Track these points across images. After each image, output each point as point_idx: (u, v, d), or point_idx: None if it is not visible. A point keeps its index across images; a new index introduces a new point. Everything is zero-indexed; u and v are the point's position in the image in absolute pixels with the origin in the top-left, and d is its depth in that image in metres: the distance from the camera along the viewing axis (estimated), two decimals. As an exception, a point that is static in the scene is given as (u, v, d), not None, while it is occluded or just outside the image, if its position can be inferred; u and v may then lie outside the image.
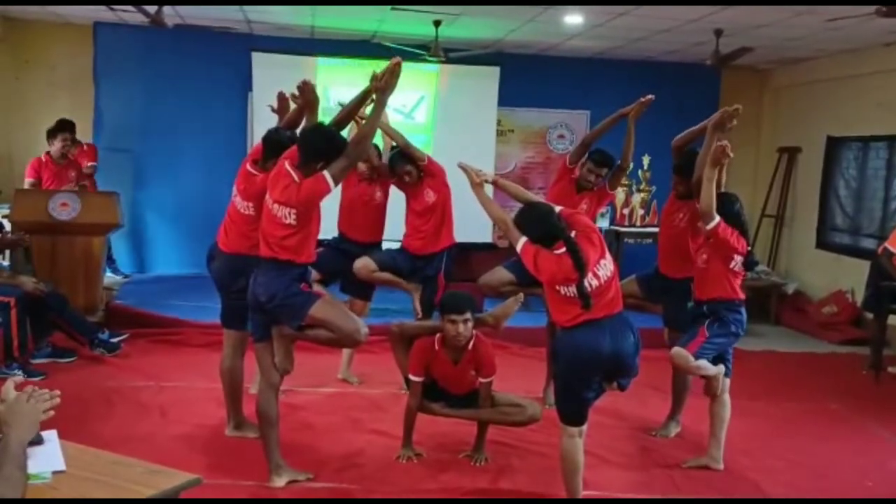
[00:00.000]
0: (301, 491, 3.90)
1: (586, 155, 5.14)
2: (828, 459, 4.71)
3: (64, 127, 7.85)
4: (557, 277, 3.46)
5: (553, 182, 5.50)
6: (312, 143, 3.71)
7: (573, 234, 3.48)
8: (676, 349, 4.26)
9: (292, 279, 3.77)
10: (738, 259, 4.27)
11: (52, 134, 7.77)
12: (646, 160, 8.62)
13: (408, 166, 5.18)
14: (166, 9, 6.79)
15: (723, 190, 4.34)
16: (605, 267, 3.50)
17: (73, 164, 7.97)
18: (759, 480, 4.28)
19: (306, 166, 3.67)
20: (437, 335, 4.16)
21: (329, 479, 4.04)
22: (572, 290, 3.43)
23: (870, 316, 6.94)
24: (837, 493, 4.20)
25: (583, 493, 3.72)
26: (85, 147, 8.36)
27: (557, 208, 3.66)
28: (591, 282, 3.44)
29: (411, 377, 4.25)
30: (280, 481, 3.90)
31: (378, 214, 5.41)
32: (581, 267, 3.38)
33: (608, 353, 3.47)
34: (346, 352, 5.58)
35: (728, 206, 4.23)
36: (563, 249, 3.43)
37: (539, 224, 3.54)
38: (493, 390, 4.26)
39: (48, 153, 7.79)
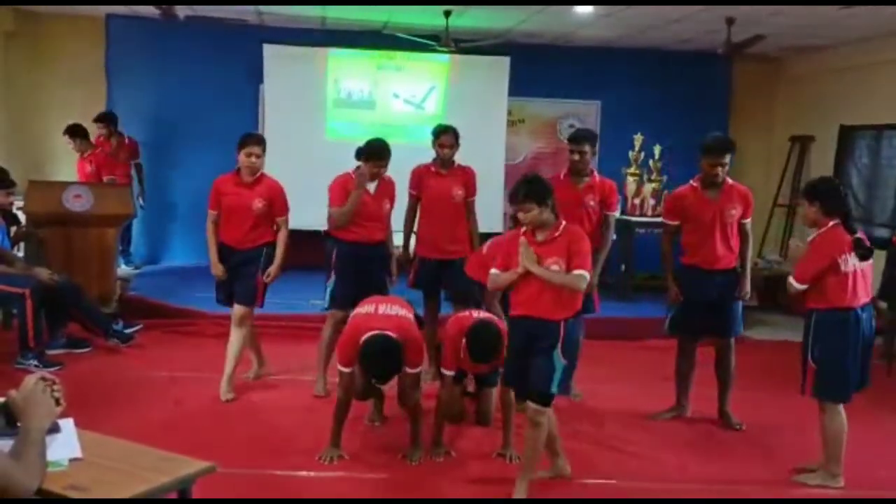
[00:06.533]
0: (313, 480, 3.93)
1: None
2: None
3: (99, 119, 8.19)
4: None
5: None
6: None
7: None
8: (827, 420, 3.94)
9: None
10: (846, 257, 3.73)
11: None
12: (657, 150, 8.52)
13: (453, 139, 5.17)
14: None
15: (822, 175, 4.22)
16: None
17: (99, 157, 8.09)
18: (769, 473, 4.28)
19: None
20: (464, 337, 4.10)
21: (337, 468, 4.06)
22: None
23: (884, 305, 6.90)
24: (849, 482, 4.18)
25: (597, 481, 3.71)
26: (127, 141, 8.44)
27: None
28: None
29: (444, 371, 4.24)
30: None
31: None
32: None
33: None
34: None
35: (835, 196, 3.81)
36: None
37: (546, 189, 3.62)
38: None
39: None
